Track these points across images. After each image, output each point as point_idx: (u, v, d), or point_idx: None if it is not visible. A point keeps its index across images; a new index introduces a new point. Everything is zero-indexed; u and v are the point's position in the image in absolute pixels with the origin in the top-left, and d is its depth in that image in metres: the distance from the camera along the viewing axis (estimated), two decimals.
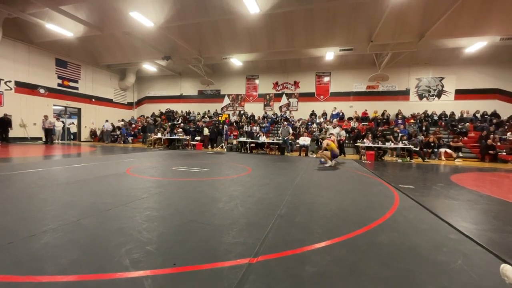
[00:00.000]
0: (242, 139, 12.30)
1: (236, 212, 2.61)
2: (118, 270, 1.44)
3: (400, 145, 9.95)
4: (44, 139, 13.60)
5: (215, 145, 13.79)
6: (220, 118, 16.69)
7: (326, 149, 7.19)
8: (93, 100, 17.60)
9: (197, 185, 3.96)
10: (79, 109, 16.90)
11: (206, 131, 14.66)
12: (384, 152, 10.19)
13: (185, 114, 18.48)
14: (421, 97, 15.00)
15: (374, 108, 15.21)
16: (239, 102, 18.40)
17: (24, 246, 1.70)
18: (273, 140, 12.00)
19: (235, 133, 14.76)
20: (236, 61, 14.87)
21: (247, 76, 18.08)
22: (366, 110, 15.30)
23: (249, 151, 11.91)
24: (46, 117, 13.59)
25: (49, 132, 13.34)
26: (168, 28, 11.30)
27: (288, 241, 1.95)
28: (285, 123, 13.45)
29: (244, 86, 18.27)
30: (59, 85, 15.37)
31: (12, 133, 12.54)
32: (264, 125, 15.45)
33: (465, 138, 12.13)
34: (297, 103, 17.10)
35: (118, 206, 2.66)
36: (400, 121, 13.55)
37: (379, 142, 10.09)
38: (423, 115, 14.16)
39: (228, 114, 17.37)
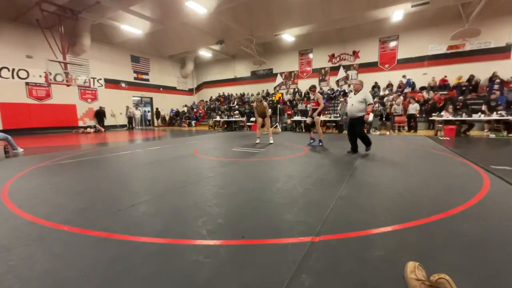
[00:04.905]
0: (296, 118, 12.08)
1: (295, 192, 2.68)
2: (198, 238, 1.71)
3: (495, 116, 8.10)
4: (127, 126, 16.54)
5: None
6: (273, 98, 16.68)
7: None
8: (161, 89, 19.84)
9: (256, 165, 4.17)
10: (151, 98, 19.39)
11: None
12: (470, 126, 8.51)
13: (240, 96, 19.08)
14: None
15: (457, 73, 12.55)
16: (292, 79, 17.83)
17: (129, 214, 2.16)
18: (330, 117, 11.38)
19: (289, 112, 14.54)
20: (288, 36, 14.23)
21: (299, 51, 17.18)
22: (445, 76, 12.78)
23: (303, 130, 11.66)
24: (127, 107, 16.48)
25: (130, 120, 16.34)
26: (220, 12, 11.49)
27: (350, 222, 1.92)
28: (344, 98, 12.49)
29: (297, 62, 17.49)
30: (135, 78, 17.82)
31: (105, 122, 15.42)
32: None
33: None
34: (356, 75, 15.50)
35: (191, 184, 3.06)
36: (496, 86, 10.88)
37: (463, 114, 8.43)
38: None
39: (282, 94, 17.15)
